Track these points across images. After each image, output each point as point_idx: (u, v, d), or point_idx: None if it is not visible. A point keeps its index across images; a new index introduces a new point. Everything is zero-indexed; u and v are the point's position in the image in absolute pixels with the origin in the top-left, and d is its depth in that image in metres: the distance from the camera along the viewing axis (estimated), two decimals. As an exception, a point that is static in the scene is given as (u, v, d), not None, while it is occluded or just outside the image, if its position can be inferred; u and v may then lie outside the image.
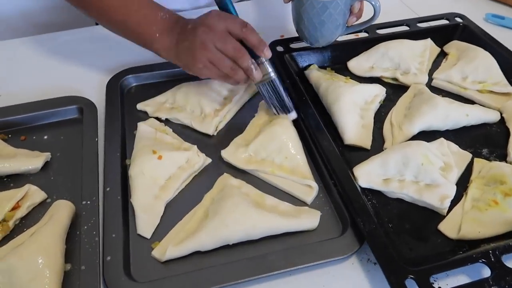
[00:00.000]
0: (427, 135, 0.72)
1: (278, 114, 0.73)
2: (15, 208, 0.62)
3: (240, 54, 0.66)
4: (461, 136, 0.74)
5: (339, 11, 0.72)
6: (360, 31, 0.87)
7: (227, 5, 0.69)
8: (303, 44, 0.87)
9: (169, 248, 0.57)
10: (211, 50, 0.66)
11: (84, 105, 0.77)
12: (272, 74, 0.69)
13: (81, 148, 0.70)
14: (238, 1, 1.10)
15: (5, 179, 0.68)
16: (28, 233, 0.59)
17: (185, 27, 0.69)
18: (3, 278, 0.53)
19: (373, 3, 0.73)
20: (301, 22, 0.77)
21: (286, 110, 0.72)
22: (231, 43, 0.66)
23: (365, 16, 0.81)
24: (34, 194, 0.64)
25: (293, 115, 0.73)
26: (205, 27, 0.66)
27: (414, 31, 0.93)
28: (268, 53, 0.67)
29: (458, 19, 0.95)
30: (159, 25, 0.70)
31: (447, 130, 0.75)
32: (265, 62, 0.69)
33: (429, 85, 0.84)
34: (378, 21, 0.94)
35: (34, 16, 1.43)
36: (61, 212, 0.60)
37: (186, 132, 0.76)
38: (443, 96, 0.79)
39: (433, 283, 0.52)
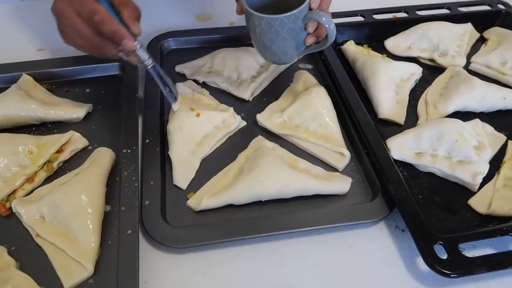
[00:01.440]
0: (462, 116, 0.72)
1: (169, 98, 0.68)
2: (59, 151, 0.65)
3: (93, 43, 0.57)
4: (496, 119, 0.74)
5: (287, 30, 0.61)
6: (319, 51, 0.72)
7: None
8: (340, 20, 0.88)
9: (204, 199, 0.59)
10: (67, 33, 0.58)
11: (126, 64, 0.79)
12: (147, 63, 0.61)
13: (122, 102, 0.72)
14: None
15: (49, 125, 0.71)
16: (72, 173, 0.62)
17: None
18: (49, 212, 0.56)
19: (326, 25, 0.60)
20: (252, 37, 0.67)
21: (171, 99, 0.67)
22: (78, 30, 0.56)
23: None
24: (76, 140, 0.67)
25: (174, 106, 0.68)
26: (53, 8, 0.57)
27: (454, 14, 0.92)
28: (128, 45, 0.56)
29: (501, 6, 0.94)
30: None
31: (481, 113, 0.75)
32: (139, 50, 0.59)
33: (466, 68, 0.84)
34: (419, 2, 0.95)
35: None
36: (103, 157, 0.63)
37: (222, 96, 0.77)
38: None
39: (462, 252, 0.53)
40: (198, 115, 0.68)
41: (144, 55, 0.60)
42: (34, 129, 0.70)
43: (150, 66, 0.62)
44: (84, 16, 0.55)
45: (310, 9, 0.61)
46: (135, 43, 0.57)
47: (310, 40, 0.65)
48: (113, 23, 0.55)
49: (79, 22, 0.55)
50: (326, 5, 0.63)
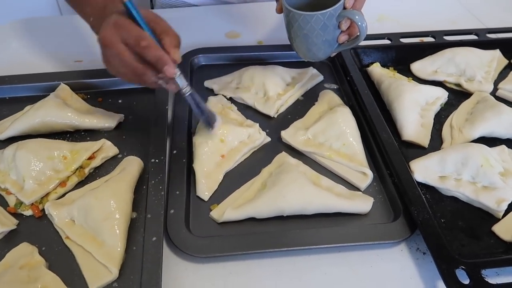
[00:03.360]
0: (488, 141, 0.72)
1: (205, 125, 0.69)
2: (91, 158, 0.68)
3: (136, 72, 0.59)
4: (523, 146, 0.73)
5: (322, 26, 0.67)
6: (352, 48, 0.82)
7: (130, 11, 0.57)
8: (367, 42, 0.89)
9: (227, 211, 0.60)
10: (111, 62, 0.60)
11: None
12: (185, 91, 0.62)
13: (152, 114, 0.75)
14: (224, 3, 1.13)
15: (82, 133, 0.74)
16: (102, 180, 0.65)
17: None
18: (79, 215, 0.59)
19: (359, 23, 0.66)
20: (289, 34, 0.73)
21: (207, 125, 0.68)
22: (124, 60, 0.58)
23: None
24: (108, 148, 0.70)
25: (212, 131, 0.68)
26: (99, 36, 0.59)
27: (482, 40, 0.93)
28: (170, 71, 0.57)
29: (530, 33, 0.94)
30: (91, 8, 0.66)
31: (508, 139, 0.74)
32: (179, 77, 0.60)
33: (493, 94, 0.83)
34: (446, 28, 0.95)
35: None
36: (132, 165, 0.66)
37: (248, 112, 0.79)
38: (507, 106, 0.78)
39: (485, 278, 0.52)
40: (223, 156, 0.69)
41: (183, 82, 0.61)
42: (68, 135, 0.73)
43: (188, 93, 0.62)
44: (130, 42, 0.56)
45: (345, 8, 0.67)
46: (175, 70, 0.58)
47: (343, 37, 0.71)
48: (158, 49, 0.57)
49: (124, 49, 0.57)
50: (360, 5, 0.68)
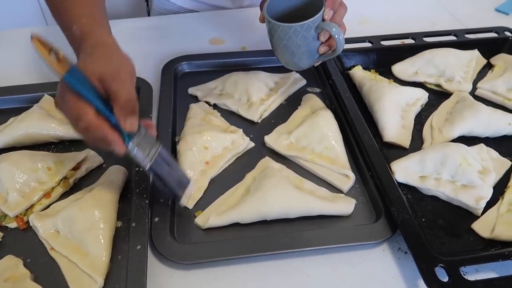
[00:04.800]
0: (467, 140, 0.73)
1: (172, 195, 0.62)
2: (75, 168, 0.68)
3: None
4: (502, 144, 0.75)
5: (300, 37, 0.68)
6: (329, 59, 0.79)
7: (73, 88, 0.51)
8: (349, 46, 0.90)
9: (212, 217, 0.61)
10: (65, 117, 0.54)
11: (141, 85, 0.83)
12: (144, 163, 0.55)
13: (136, 122, 0.75)
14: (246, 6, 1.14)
15: (67, 143, 0.74)
16: (86, 190, 0.65)
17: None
18: (64, 226, 0.59)
19: (335, 36, 0.66)
20: (271, 43, 0.75)
21: (175, 194, 0.61)
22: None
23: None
24: (92, 158, 0.70)
25: (180, 200, 0.62)
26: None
27: (461, 41, 0.94)
28: (119, 151, 0.52)
29: (508, 33, 0.96)
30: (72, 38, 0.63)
31: (487, 137, 0.76)
32: (135, 151, 0.54)
33: (472, 94, 0.85)
34: (427, 29, 0.97)
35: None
36: (116, 175, 0.66)
37: (232, 118, 0.80)
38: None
39: (464, 275, 0.53)
40: (207, 163, 0.70)
41: (141, 156, 0.54)
42: (52, 146, 0.74)
43: (148, 167, 0.55)
44: (71, 121, 0.52)
45: (324, 20, 0.67)
46: (129, 145, 0.53)
47: (323, 49, 0.71)
48: (99, 128, 0.50)
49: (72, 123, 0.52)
50: (339, 17, 0.69)
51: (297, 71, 0.88)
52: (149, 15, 1.26)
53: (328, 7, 0.67)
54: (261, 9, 0.74)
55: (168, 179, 0.59)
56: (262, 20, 0.73)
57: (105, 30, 0.62)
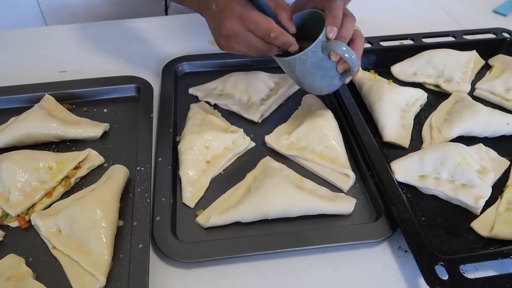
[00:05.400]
0: (466, 140, 0.74)
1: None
2: (76, 168, 0.68)
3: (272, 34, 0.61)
4: (500, 144, 0.75)
5: (311, 64, 0.62)
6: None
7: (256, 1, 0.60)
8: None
9: (213, 216, 0.61)
10: (233, 47, 0.64)
11: (142, 85, 0.84)
12: (315, 47, 0.60)
13: (137, 122, 0.76)
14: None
15: (68, 143, 0.75)
16: (88, 189, 0.65)
17: (209, 2, 0.63)
18: (65, 225, 0.59)
19: (345, 55, 0.59)
20: (292, 78, 0.70)
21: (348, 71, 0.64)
22: (253, 46, 0.62)
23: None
24: (93, 157, 0.70)
25: (355, 69, 0.62)
26: (223, 27, 0.61)
27: (459, 42, 0.95)
28: (294, 49, 0.63)
29: (505, 34, 0.97)
30: None
31: (486, 137, 0.77)
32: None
33: (471, 94, 0.86)
34: (425, 30, 0.98)
35: (95, 7, 1.54)
36: (118, 174, 0.66)
37: (232, 118, 0.80)
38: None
39: (463, 274, 0.54)
40: (208, 162, 0.70)
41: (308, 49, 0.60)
42: (54, 146, 0.74)
43: (313, 49, 0.60)
44: (259, 33, 0.60)
45: (329, 39, 0.60)
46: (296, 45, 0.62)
47: (341, 67, 0.64)
48: (283, 35, 0.60)
49: (252, 37, 0.61)
50: (347, 31, 0.62)
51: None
52: (166, 14, 1.27)
53: (329, 24, 0.60)
54: None
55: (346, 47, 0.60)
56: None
57: None
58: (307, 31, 0.65)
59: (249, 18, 0.60)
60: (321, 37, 0.60)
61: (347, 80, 0.67)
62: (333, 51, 0.61)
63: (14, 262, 0.56)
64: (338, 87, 0.70)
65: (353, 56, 0.60)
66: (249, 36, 0.61)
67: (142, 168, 0.67)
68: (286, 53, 0.64)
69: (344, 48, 0.60)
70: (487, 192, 0.64)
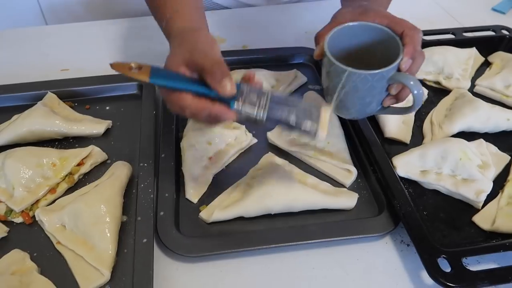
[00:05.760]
0: (467, 136, 0.74)
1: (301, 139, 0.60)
2: (80, 164, 0.69)
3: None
4: (500, 139, 0.76)
5: (369, 87, 0.56)
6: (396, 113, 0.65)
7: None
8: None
9: (216, 211, 0.62)
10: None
11: (143, 83, 0.84)
12: (258, 115, 0.51)
13: (139, 119, 0.76)
14: (284, 3, 1.15)
15: (71, 140, 0.75)
16: (91, 185, 0.65)
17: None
18: (70, 221, 0.59)
19: (414, 92, 0.55)
20: (325, 85, 0.62)
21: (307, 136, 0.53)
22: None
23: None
24: (96, 154, 0.71)
25: (320, 142, 0.58)
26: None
27: (459, 39, 0.96)
28: (229, 119, 0.51)
29: (505, 32, 0.97)
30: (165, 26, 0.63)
31: (486, 133, 0.77)
32: (244, 108, 0.50)
33: (471, 91, 0.86)
34: (424, 28, 0.98)
35: (95, 6, 1.55)
36: (121, 170, 0.67)
37: (234, 115, 0.81)
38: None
39: (466, 266, 0.54)
40: (211, 159, 0.71)
41: (252, 111, 0.51)
42: (57, 143, 0.74)
43: (264, 118, 0.51)
44: (182, 114, 0.53)
45: (399, 70, 0.56)
46: (233, 107, 0.50)
47: (389, 102, 0.60)
48: (201, 109, 0.50)
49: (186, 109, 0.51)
50: (416, 68, 0.57)
51: (297, 68, 0.88)
52: None
53: (407, 55, 0.55)
54: (317, 42, 0.61)
55: (291, 118, 0.51)
56: (318, 56, 0.60)
57: (189, 20, 0.62)
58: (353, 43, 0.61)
59: (188, 106, 0.51)
60: (395, 65, 0.55)
61: (372, 114, 0.65)
62: (401, 83, 0.56)
63: (18, 257, 0.56)
64: (363, 117, 0.70)
65: (420, 92, 0.55)
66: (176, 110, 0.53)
67: (145, 164, 0.67)
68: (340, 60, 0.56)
69: (413, 83, 0.55)
70: (488, 186, 0.65)
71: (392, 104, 0.61)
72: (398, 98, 0.59)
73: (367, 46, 0.61)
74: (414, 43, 0.56)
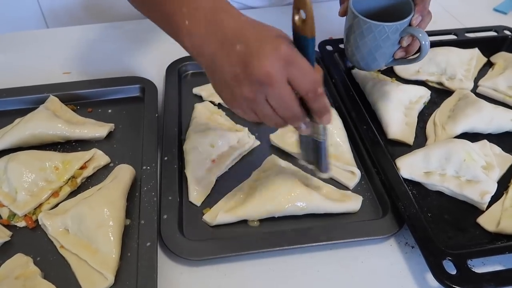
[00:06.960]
0: (470, 137, 0.74)
1: (308, 166, 0.62)
2: (82, 167, 0.69)
3: (293, 119, 0.49)
4: (504, 140, 0.76)
5: (384, 38, 0.68)
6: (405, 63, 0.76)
7: (306, 47, 0.46)
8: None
9: (220, 214, 0.62)
10: (259, 103, 0.46)
11: (146, 85, 0.84)
12: (322, 137, 0.54)
13: (142, 122, 0.76)
14: (287, 4, 1.15)
15: (73, 143, 0.75)
16: (94, 189, 0.65)
17: (230, 40, 0.45)
18: (73, 224, 0.59)
19: (422, 42, 0.67)
20: (346, 38, 0.74)
21: (318, 169, 0.60)
22: (287, 106, 0.46)
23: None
24: (99, 157, 0.71)
25: (325, 175, 0.61)
26: (259, 68, 0.43)
27: (461, 40, 0.95)
28: (327, 120, 0.50)
29: (507, 32, 0.97)
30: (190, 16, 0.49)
31: (489, 134, 0.77)
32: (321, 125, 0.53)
33: (474, 91, 0.86)
34: (427, 28, 0.98)
35: (96, 9, 1.55)
36: (124, 173, 0.66)
37: (237, 117, 0.79)
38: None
39: (471, 268, 0.54)
40: (213, 161, 0.70)
41: (322, 131, 0.54)
42: (59, 146, 0.74)
43: (323, 140, 0.55)
44: (303, 87, 0.45)
45: (410, 25, 0.68)
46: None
47: (400, 53, 0.72)
48: (326, 97, 0.47)
49: (290, 93, 0.45)
50: (425, 25, 0.69)
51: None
52: None
53: (418, 12, 0.67)
54: (341, 2, 0.75)
55: (325, 152, 0.56)
56: (343, 14, 0.73)
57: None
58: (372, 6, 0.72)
59: (296, 63, 0.44)
60: (408, 19, 0.67)
61: (386, 66, 0.78)
62: (413, 35, 0.68)
63: (22, 262, 0.56)
64: (378, 68, 0.80)
65: (427, 43, 0.67)
66: (287, 91, 0.45)
67: (148, 167, 0.67)
68: None
69: (422, 35, 0.67)
70: (492, 188, 0.64)
71: (402, 56, 0.72)
72: (408, 51, 0.71)
73: (384, 8, 0.72)
74: (424, 4, 0.67)
